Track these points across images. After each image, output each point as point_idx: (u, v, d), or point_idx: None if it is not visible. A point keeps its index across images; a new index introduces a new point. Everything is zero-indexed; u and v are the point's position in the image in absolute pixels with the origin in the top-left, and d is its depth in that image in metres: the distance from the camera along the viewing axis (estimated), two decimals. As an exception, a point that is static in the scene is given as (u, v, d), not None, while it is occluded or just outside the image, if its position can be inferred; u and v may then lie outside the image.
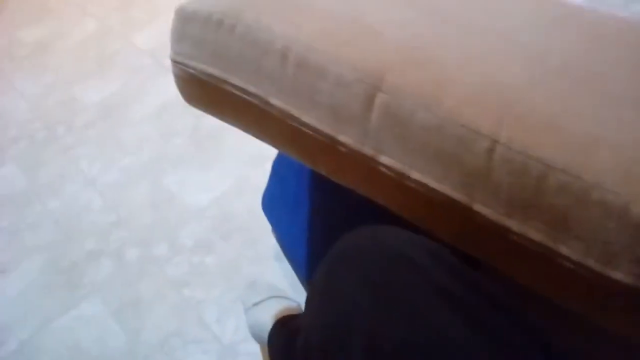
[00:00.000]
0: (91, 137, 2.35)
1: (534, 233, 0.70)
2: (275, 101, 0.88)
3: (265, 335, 1.18)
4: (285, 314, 1.24)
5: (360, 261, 0.64)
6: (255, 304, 1.32)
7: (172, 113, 2.33)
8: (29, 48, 3.07)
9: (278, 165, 1.51)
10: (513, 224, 0.71)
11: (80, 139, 2.36)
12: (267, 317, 1.23)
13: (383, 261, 0.62)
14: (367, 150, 0.80)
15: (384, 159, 0.79)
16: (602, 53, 0.84)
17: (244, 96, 0.92)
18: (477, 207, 0.73)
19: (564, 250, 0.68)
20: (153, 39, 2.80)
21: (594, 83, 0.77)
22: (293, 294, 1.48)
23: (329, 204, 1.29)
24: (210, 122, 2.20)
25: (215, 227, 1.83)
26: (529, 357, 0.55)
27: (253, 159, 2.02)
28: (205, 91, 0.98)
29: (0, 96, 2.78)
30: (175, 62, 1.00)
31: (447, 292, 0.58)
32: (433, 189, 0.76)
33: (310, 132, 0.86)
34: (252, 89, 0.90)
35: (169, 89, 2.44)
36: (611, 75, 0.80)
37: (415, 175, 0.77)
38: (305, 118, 0.85)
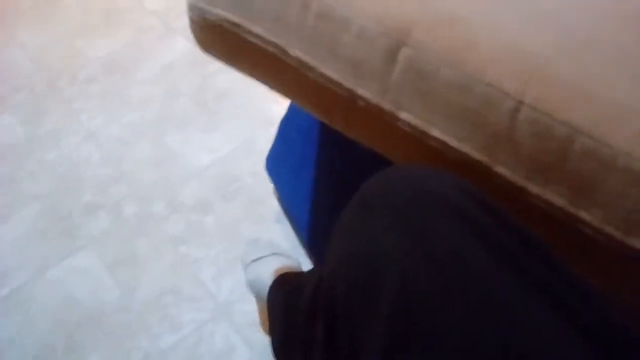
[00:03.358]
0: (94, 92, 2.33)
1: (555, 197, 0.69)
2: (294, 52, 0.86)
3: (265, 290, 1.17)
4: (286, 271, 1.23)
5: (392, 200, 0.62)
6: (255, 260, 1.31)
7: (178, 74, 2.31)
8: (34, -1, 3.04)
9: (285, 126, 1.50)
10: (534, 187, 0.70)
11: (82, 93, 2.33)
12: (267, 273, 1.22)
13: (417, 201, 0.61)
14: (387, 106, 0.79)
15: (404, 115, 0.78)
16: (632, 31, 0.83)
17: (263, 45, 0.90)
18: (498, 168, 0.72)
19: (584, 215, 0.67)
20: (163, 0, 2.77)
21: (623, 59, 0.75)
22: (293, 256, 1.48)
23: (335, 166, 1.28)
24: (216, 84, 2.19)
25: (216, 188, 1.82)
26: (568, 304, 0.53)
27: (258, 122, 2.01)
28: (223, 39, 0.96)
29: (3, 47, 2.75)
30: (193, 8, 0.98)
31: (486, 232, 0.57)
32: (453, 148, 0.74)
33: (329, 85, 0.84)
34: (271, 38, 0.89)
35: (176, 49, 2.42)
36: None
37: (435, 133, 0.75)
38: (325, 70, 0.84)
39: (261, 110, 2.03)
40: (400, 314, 0.56)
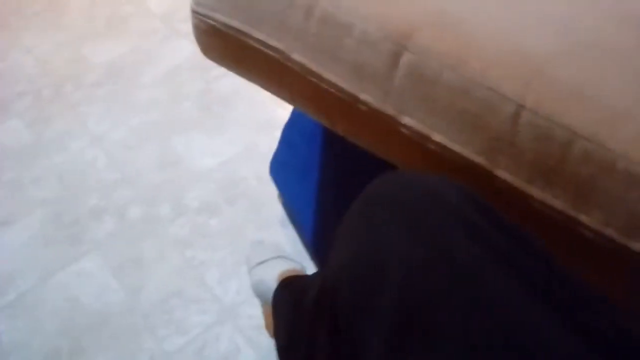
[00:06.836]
0: (99, 96, 2.34)
1: (555, 200, 0.69)
2: (297, 56, 0.87)
3: (270, 293, 1.18)
4: (290, 274, 1.24)
5: (394, 199, 0.63)
6: (260, 263, 1.32)
7: (183, 77, 2.32)
8: (39, 5, 3.04)
9: (288, 131, 1.51)
10: (535, 191, 0.70)
11: (88, 98, 2.34)
12: (271, 276, 1.23)
13: (419, 200, 0.61)
14: (389, 110, 0.79)
15: (406, 120, 0.78)
16: (632, 34, 0.83)
17: (266, 50, 0.91)
18: (499, 172, 0.72)
19: (584, 218, 0.68)
20: (166, 3, 2.78)
21: (623, 60, 0.76)
22: (297, 260, 1.48)
23: (339, 171, 1.28)
24: (220, 88, 2.20)
25: (221, 191, 1.83)
26: (565, 303, 0.54)
27: (262, 127, 2.02)
28: (225, 44, 0.97)
29: (8, 52, 2.76)
30: (195, 13, 0.98)
31: (481, 232, 0.58)
32: (455, 152, 0.75)
33: (331, 90, 0.85)
34: (274, 43, 0.89)
35: (181, 53, 2.43)
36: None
37: (437, 137, 0.76)
38: (327, 75, 0.84)
39: (265, 114, 2.04)
40: (402, 311, 0.57)
